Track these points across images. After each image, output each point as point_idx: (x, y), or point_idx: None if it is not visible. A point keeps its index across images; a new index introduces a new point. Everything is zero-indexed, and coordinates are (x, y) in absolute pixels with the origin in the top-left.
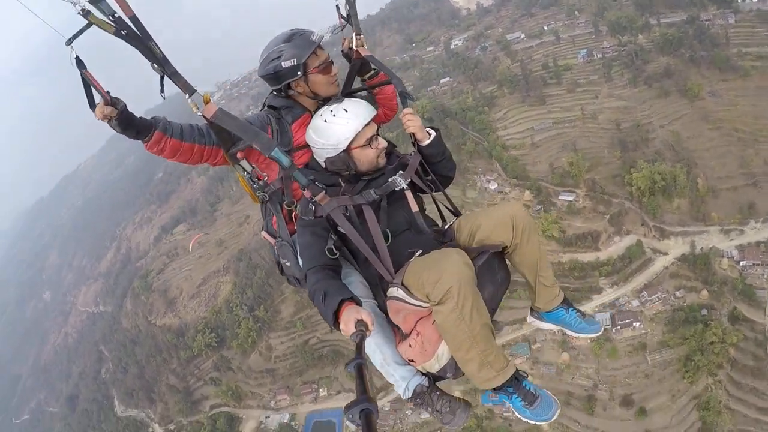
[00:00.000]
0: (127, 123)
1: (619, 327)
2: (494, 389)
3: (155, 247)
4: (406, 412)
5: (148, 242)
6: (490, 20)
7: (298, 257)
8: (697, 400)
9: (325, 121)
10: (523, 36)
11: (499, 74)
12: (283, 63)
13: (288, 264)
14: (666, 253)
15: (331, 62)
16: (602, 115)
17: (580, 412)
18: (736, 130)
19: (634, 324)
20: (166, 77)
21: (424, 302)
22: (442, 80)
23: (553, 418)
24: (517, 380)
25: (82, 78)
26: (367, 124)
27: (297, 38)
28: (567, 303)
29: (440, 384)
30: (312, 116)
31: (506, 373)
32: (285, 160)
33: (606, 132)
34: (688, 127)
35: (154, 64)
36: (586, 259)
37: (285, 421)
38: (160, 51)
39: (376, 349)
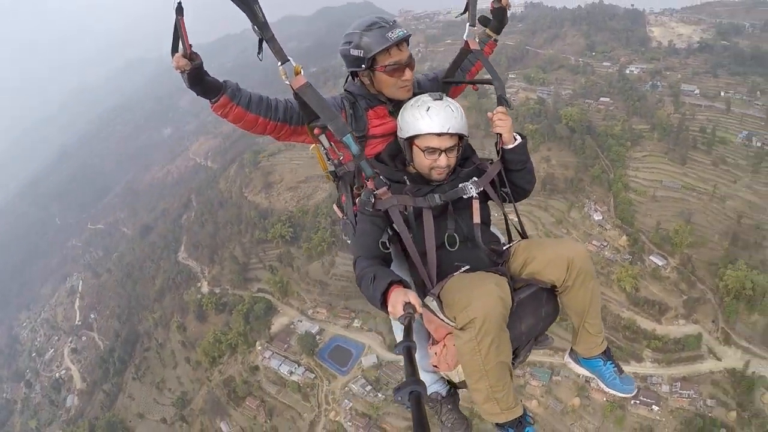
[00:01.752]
0: (197, 80)
1: (638, 402)
2: (496, 424)
3: None
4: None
5: None
6: (674, 62)
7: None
8: None
9: (411, 105)
10: (697, 92)
11: (656, 117)
12: (351, 50)
13: (349, 242)
14: (719, 359)
15: (407, 66)
16: (731, 201)
17: None
18: None
19: (654, 407)
20: (264, 42)
21: (451, 322)
22: (602, 98)
23: None
24: (520, 423)
25: (175, 23)
26: (435, 134)
27: (374, 29)
28: (607, 355)
29: None
30: (388, 108)
31: (511, 414)
32: (355, 148)
33: (726, 219)
34: None
35: (255, 27)
36: (644, 325)
37: (313, 331)
38: (263, 15)
39: None
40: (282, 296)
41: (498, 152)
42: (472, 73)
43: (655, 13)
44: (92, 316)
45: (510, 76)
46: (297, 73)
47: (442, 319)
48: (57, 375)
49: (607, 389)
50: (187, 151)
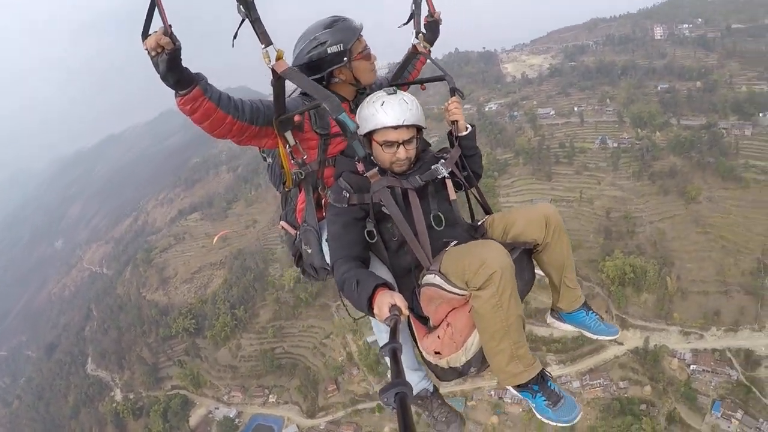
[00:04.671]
0: (174, 64)
1: None
2: (518, 386)
3: (168, 226)
4: None
5: (164, 220)
6: (529, 91)
7: (323, 245)
8: None
9: (367, 102)
10: (552, 113)
11: (518, 144)
12: (328, 49)
13: (310, 251)
14: (621, 344)
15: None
16: (598, 201)
17: None
18: (722, 237)
19: None
20: (245, 24)
21: (462, 290)
22: None
23: (576, 420)
24: (542, 378)
25: (151, 2)
26: (391, 127)
27: (339, 24)
28: (587, 306)
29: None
30: (350, 105)
31: (534, 370)
32: (351, 124)
33: (597, 218)
34: (677, 227)
35: (241, 6)
36: (540, 332)
37: (231, 416)
38: None
39: None
40: (196, 388)
41: (455, 139)
42: (413, 76)
43: (506, 51)
44: None
45: None
46: (279, 58)
47: (450, 291)
48: None
49: (595, 337)
50: (81, 261)
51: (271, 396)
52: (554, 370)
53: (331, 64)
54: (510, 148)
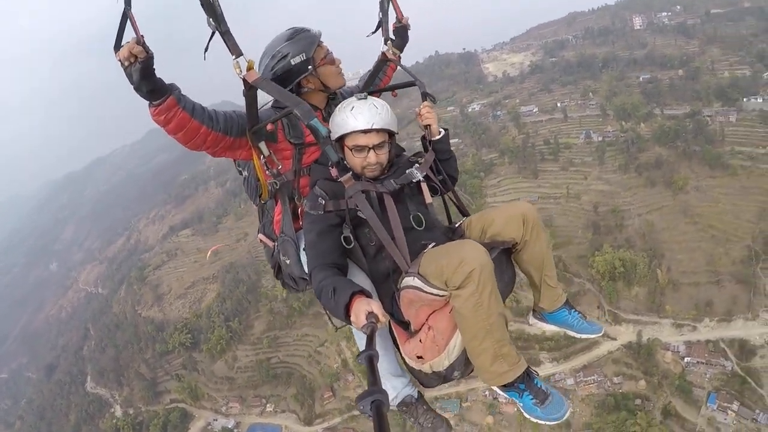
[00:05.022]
0: (147, 73)
1: None
2: (505, 386)
3: (160, 243)
4: None
5: (156, 238)
6: (512, 90)
7: (301, 255)
8: None
9: (339, 108)
10: (535, 110)
11: (502, 143)
12: (292, 60)
13: (288, 262)
14: (614, 339)
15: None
16: (586, 196)
17: None
18: (712, 226)
19: None
20: (216, 37)
21: (442, 290)
22: (451, 140)
23: (564, 417)
24: (528, 377)
25: (123, 15)
26: (361, 132)
27: (299, 35)
28: (569, 304)
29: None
30: (323, 114)
31: (519, 368)
32: (323, 129)
33: (585, 213)
34: (666, 218)
35: (211, 20)
36: (532, 331)
37: (229, 426)
38: (220, 7)
39: None
40: (194, 401)
41: (428, 143)
42: (384, 83)
43: (486, 51)
44: None
45: None
46: (250, 68)
47: (429, 293)
48: None
49: (578, 336)
50: (77, 282)
51: (268, 405)
52: (547, 368)
53: (298, 74)
54: (495, 147)
